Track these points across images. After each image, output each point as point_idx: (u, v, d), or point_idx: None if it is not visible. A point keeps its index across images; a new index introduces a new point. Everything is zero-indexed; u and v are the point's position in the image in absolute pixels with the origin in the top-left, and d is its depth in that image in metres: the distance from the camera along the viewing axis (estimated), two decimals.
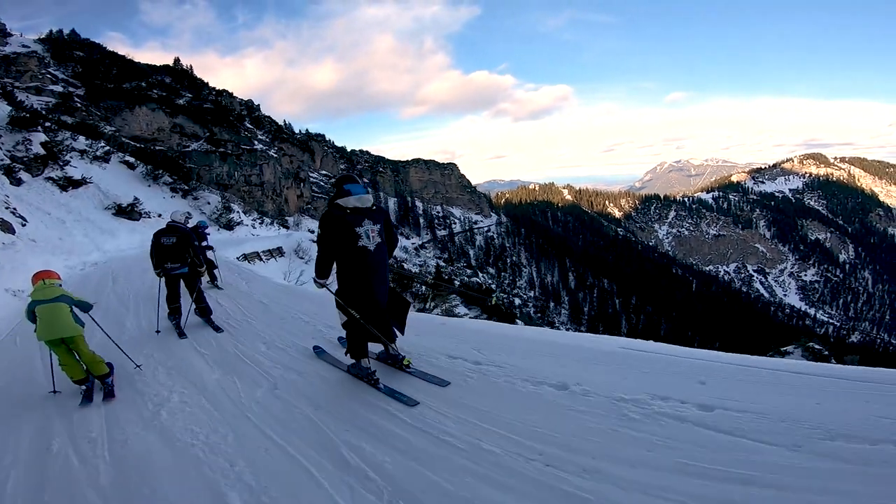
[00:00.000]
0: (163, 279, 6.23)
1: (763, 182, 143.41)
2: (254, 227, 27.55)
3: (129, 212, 19.13)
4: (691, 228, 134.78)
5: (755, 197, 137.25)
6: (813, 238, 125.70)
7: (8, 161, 16.11)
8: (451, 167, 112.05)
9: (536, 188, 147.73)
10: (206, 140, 44.19)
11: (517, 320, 29.28)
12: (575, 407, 3.12)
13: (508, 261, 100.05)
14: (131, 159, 24.81)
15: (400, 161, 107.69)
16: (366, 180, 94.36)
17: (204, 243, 9.27)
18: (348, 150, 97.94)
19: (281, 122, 66.56)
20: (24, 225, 13.62)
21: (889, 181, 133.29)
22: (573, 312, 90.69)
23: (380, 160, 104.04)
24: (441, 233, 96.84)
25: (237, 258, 16.40)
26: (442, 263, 78.12)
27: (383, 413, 3.29)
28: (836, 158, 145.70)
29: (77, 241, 15.42)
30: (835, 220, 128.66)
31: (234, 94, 57.04)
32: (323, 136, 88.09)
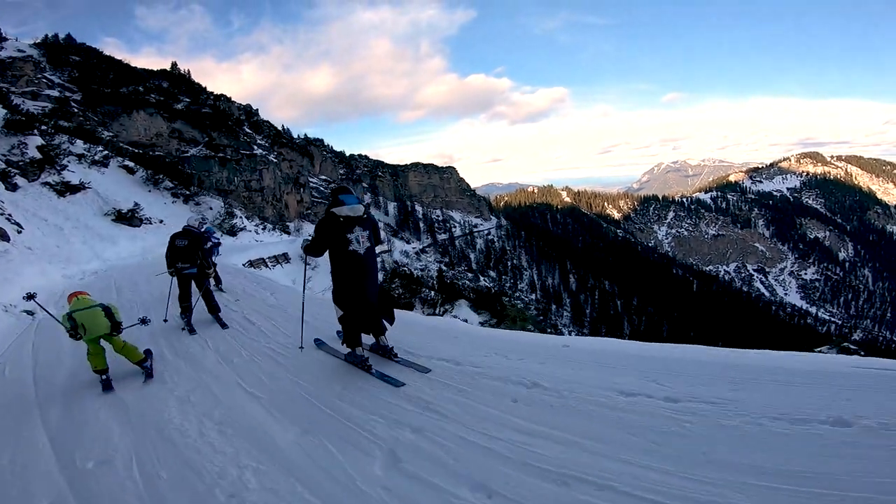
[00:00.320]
0: (175, 279, 6.77)
1: (761, 181, 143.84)
2: (257, 233, 26.84)
3: (129, 218, 18.37)
4: (690, 229, 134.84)
5: (753, 196, 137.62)
6: (812, 236, 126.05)
7: (3, 165, 15.37)
8: (450, 171, 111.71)
9: (535, 191, 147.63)
10: (205, 145, 43.51)
11: (528, 325, 28.65)
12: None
13: (509, 264, 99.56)
14: (131, 164, 24.05)
15: (399, 165, 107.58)
16: (364, 185, 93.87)
17: (209, 245, 9.15)
18: (347, 154, 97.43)
19: (279, 127, 66.04)
20: (19, 232, 12.90)
21: (886, 179, 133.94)
22: (575, 315, 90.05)
23: (379, 164, 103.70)
24: (441, 237, 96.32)
25: (243, 264, 15.78)
26: (443, 268, 77.47)
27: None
28: (832, 157, 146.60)
29: (75, 248, 14.69)
30: (833, 219, 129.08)
31: (233, 99, 56.57)
32: (321, 140, 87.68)
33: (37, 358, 5.86)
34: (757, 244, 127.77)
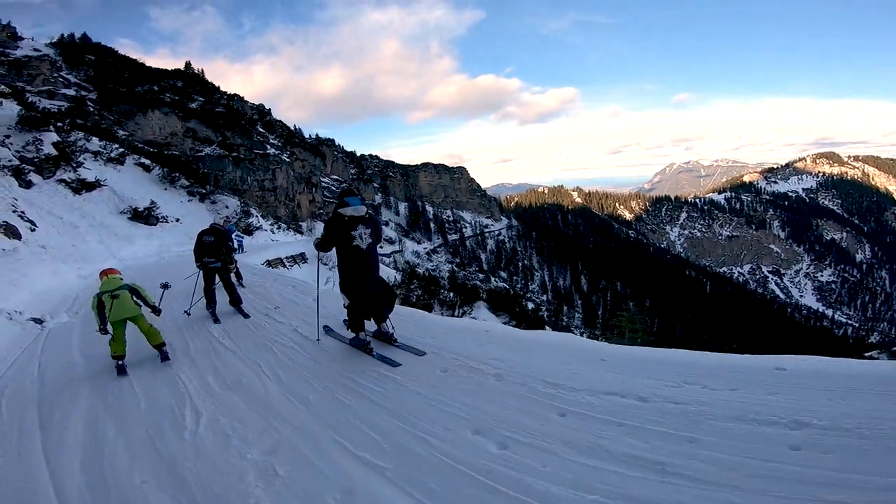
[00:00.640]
0: (201, 272, 7.28)
1: (776, 182, 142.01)
2: (272, 233, 26.47)
3: (145, 216, 18.01)
4: (704, 230, 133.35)
5: (768, 197, 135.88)
6: (828, 238, 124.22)
7: (17, 162, 15.02)
8: (461, 171, 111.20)
9: (545, 191, 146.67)
10: (219, 144, 43.32)
11: (545, 327, 27.98)
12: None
13: (520, 264, 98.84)
14: (147, 161, 23.73)
15: (409, 165, 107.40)
16: (375, 185, 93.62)
17: (233, 243, 9.81)
18: (357, 154, 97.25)
19: (291, 127, 65.88)
20: (33, 230, 12.52)
21: None
22: (587, 316, 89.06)
23: (389, 165, 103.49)
24: (452, 237, 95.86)
25: (261, 264, 15.33)
26: (455, 268, 77.02)
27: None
28: (849, 157, 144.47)
29: (91, 247, 14.33)
30: (850, 220, 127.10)
31: (245, 99, 56.45)
32: (332, 140, 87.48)
33: (43, 382, 4.95)
34: (772, 245, 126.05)
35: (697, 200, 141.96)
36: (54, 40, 43.73)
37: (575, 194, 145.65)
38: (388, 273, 27.21)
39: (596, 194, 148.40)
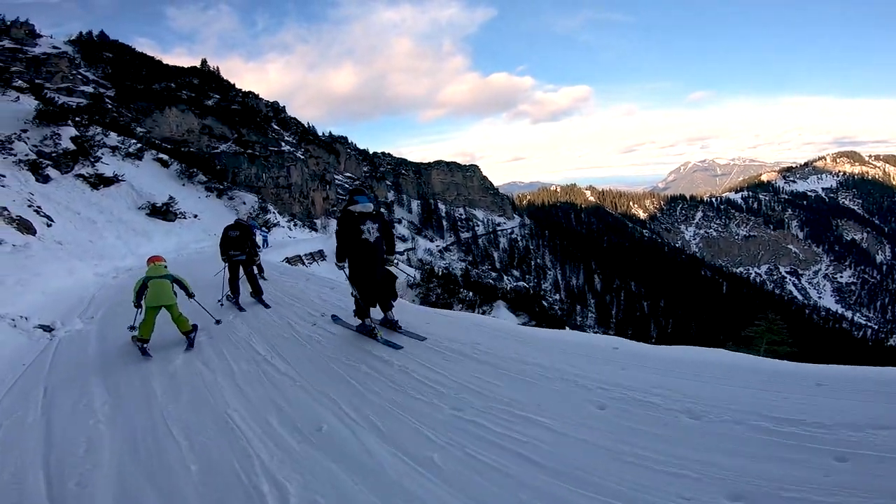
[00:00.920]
0: (227, 265, 7.70)
1: (794, 181, 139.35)
2: (290, 230, 26.18)
3: (164, 212, 17.73)
4: (720, 229, 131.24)
5: (787, 196, 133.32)
6: (849, 238, 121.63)
7: (34, 156, 14.78)
8: (473, 169, 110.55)
9: (558, 189, 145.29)
10: (235, 141, 43.32)
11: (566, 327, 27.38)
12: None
13: (533, 263, 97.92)
14: (165, 157, 23.53)
15: (422, 163, 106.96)
16: (388, 183, 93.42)
17: (257, 237, 10.17)
18: (370, 152, 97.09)
19: (305, 124, 65.79)
20: (49, 225, 12.21)
21: None
22: (600, 316, 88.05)
23: (402, 162, 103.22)
24: (464, 235, 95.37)
25: (281, 261, 14.96)
26: (468, 266, 76.60)
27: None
28: (870, 156, 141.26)
29: (109, 243, 14.00)
30: (871, 220, 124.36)
31: (260, 96, 56.40)
32: (345, 138, 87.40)
33: (50, 419, 3.75)
34: (790, 246, 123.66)
35: (713, 199, 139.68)
36: (73, 38, 43.99)
37: (588, 193, 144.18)
38: (408, 272, 26.77)
39: (609, 193, 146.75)
